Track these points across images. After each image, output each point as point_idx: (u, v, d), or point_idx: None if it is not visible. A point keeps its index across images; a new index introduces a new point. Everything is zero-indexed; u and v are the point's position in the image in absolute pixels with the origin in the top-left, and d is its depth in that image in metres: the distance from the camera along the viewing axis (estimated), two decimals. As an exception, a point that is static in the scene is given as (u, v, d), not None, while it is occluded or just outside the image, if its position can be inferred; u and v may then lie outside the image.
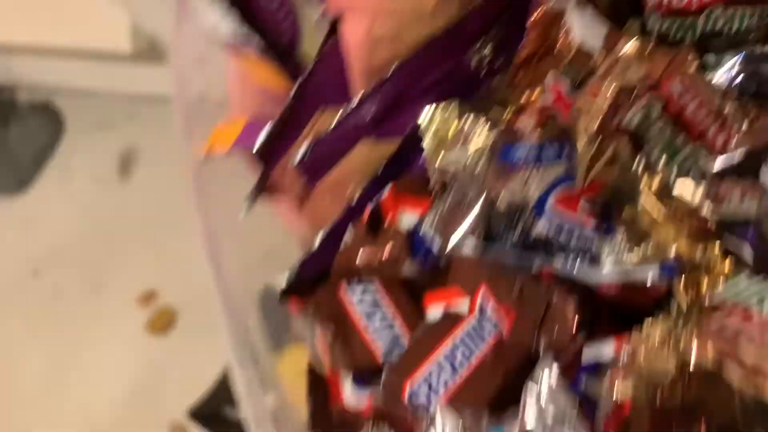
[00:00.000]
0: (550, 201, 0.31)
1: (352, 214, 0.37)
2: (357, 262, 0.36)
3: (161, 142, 1.57)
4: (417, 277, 0.36)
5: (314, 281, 0.38)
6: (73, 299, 1.50)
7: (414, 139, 0.35)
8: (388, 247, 0.36)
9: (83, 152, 1.65)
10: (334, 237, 0.37)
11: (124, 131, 1.62)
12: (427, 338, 0.33)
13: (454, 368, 0.31)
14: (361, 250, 0.36)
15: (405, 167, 0.37)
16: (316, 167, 0.39)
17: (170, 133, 1.63)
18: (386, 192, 0.37)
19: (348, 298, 0.35)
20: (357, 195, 0.37)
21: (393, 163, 0.37)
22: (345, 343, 0.35)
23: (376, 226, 0.37)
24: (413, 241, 0.36)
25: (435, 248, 0.34)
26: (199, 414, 0.98)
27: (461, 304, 0.34)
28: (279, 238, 0.50)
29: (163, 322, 1.38)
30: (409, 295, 0.36)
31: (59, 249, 1.56)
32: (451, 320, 0.34)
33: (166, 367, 1.35)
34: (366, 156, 0.38)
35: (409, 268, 0.36)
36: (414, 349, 0.33)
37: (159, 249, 1.46)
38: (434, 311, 0.35)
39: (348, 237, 0.37)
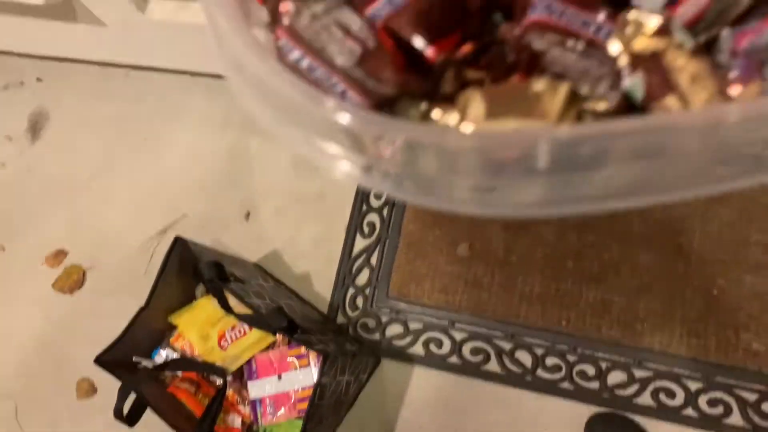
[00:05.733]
0: None
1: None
2: None
3: (71, 104, 1.58)
4: None
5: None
6: (-22, 258, 1.49)
7: None
8: None
9: (-9, 111, 1.63)
10: None
11: (34, 91, 1.60)
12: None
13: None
14: None
15: None
16: None
17: (80, 95, 1.64)
18: None
19: None
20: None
21: None
22: None
23: None
24: None
25: None
26: (106, 360, 1.02)
27: None
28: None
29: (71, 281, 1.40)
30: None
31: (-36, 208, 1.55)
32: None
33: (74, 325, 1.38)
34: None
35: None
36: None
37: (69, 209, 1.47)
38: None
39: None
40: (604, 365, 1.13)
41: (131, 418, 1.03)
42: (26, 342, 1.39)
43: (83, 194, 1.48)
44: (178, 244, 1.09)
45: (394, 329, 1.23)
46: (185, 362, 1.09)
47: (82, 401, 1.32)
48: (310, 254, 1.32)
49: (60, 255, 1.43)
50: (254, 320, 1.08)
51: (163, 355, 1.15)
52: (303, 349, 1.09)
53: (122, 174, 1.48)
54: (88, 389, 1.31)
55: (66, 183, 1.51)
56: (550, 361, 1.15)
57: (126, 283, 1.38)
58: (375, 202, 1.32)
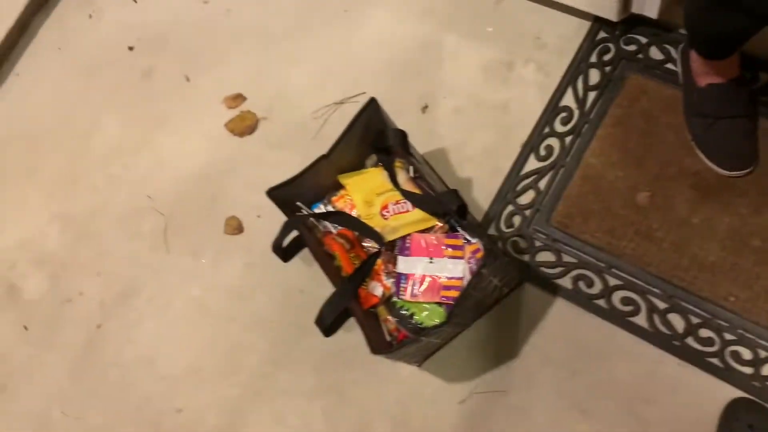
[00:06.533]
0: None
1: None
2: None
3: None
4: None
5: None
6: (163, 83, 1.56)
7: None
8: None
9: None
10: None
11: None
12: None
13: None
14: None
15: None
16: None
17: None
18: None
19: None
20: None
21: None
22: None
23: None
24: None
25: None
26: (276, 194, 1.05)
27: None
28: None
29: (244, 125, 1.44)
30: None
31: (162, 34, 1.62)
32: None
33: (236, 165, 1.43)
34: None
35: None
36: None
37: (260, 59, 1.51)
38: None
39: None
40: (763, 354, 1.05)
41: (286, 254, 1.06)
42: (189, 169, 1.45)
43: (273, 48, 1.52)
44: (372, 105, 1.10)
45: (545, 256, 1.20)
46: (348, 219, 1.10)
47: (227, 237, 1.37)
48: (478, 161, 1.30)
49: (239, 98, 1.48)
50: (420, 200, 1.08)
51: (322, 209, 1.17)
52: (460, 241, 1.08)
53: (314, 38, 1.50)
54: (236, 227, 1.37)
55: (259, 33, 1.54)
56: (705, 333, 1.08)
57: (293, 141, 1.41)
58: (560, 128, 1.27)
